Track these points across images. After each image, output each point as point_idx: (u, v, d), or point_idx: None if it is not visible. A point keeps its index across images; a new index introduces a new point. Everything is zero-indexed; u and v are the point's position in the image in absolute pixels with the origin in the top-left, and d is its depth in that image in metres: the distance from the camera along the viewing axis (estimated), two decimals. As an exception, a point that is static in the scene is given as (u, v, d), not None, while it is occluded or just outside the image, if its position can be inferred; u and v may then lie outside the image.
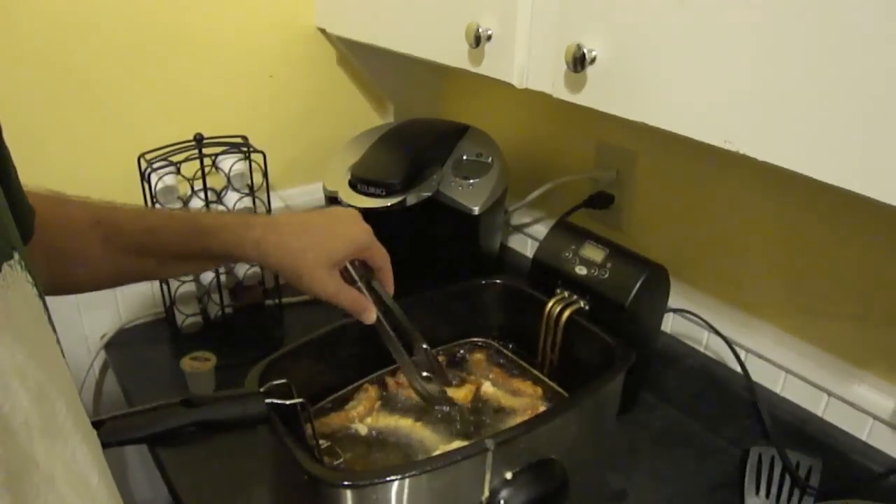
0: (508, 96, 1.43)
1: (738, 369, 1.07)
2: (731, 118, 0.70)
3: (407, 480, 0.71)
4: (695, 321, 1.13)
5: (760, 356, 1.08)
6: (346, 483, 0.71)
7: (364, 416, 0.96)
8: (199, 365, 1.19)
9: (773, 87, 0.66)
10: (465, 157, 1.27)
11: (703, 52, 0.71)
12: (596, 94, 0.82)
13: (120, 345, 1.35)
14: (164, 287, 1.29)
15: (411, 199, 1.16)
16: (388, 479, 0.70)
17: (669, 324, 1.20)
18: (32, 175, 0.62)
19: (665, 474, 1.05)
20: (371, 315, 0.85)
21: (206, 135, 1.19)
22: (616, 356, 0.92)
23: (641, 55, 0.77)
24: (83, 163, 1.26)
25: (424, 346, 0.91)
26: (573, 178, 1.30)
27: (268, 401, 0.77)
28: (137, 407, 0.74)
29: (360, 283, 0.85)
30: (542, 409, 0.98)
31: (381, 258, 0.87)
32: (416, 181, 1.19)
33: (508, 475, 0.79)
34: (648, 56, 0.76)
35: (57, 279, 0.73)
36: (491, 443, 0.75)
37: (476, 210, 1.19)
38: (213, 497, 0.99)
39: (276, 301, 1.36)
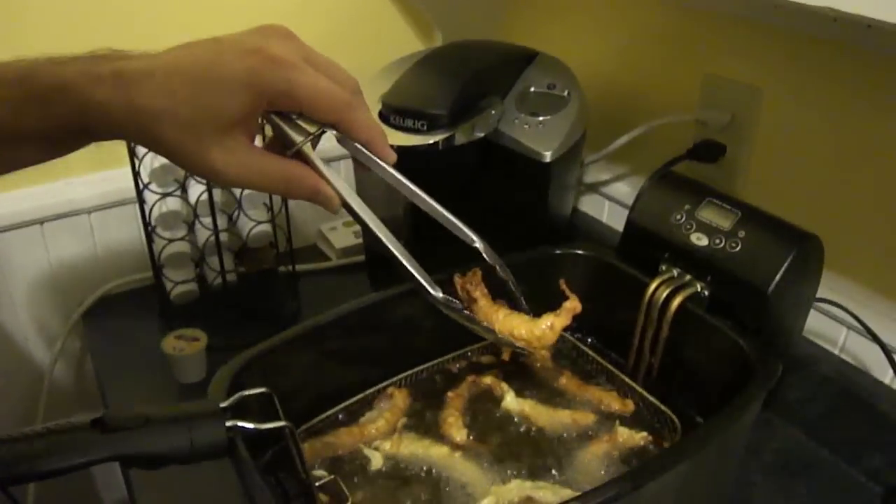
0: (588, 17, 1.22)
1: (888, 379, 0.86)
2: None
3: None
4: (834, 315, 0.91)
5: None
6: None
7: (384, 434, 0.71)
8: (185, 346, 1.00)
9: None
10: (532, 89, 1.03)
11: None
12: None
13: (99, 314, 1.19)
14: (150, 245, 1.07)
15: (461, 138, 0.94)
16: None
17: None
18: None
19: None
20: (331, 201, 0.55)
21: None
22: (751, 364, 0.68)
23: None
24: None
25: (476, 242, 0.65)
26: (671, 119, 1.06)
27: (230, 423, 0.51)
28: (26, 429, 0.48)
29: (298, 145, 0.54)
30: (620, 431, 0.72)
31: (324, 102, 0.53)
32: (468, 115, 0.95)
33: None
34: None
35: None
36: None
37: (548, 156, 0.95)
38: None
39: (290, 267, 1.14)
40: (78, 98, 0.50)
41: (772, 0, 0.59)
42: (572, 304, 0.74)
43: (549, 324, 0.71)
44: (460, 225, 0.65)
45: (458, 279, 0.75)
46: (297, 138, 0.53)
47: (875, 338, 0.85)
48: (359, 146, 0.55)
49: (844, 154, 0.90)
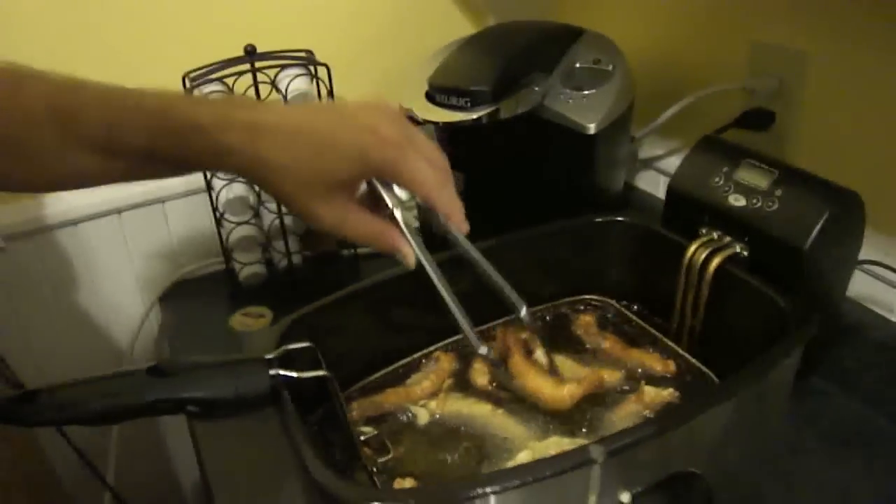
0: None
1: None
2: None
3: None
4: (887, 278, 0.89)
5: None
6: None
7: (430, 394, 0.73)
8: (252, 322, 1.05)
9: None
10: (578, 65, 1.03)
11: None
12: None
13: (174, 297, 1.23)
14: (219, 230, 1.12)
15: (506, 112, 0.93)
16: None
17: (850, 282, 0.92)
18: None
19: (838, 486, 0.80)
20: (407, 258, 0.63)
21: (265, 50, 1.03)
22: (789, 323, 0.66)
23: None
24: (119, 82, 1.10)
25: (523, 312, 0.68)
26: (719, 88, 1.04)
27: (273, 372, 0.54)
28: (89, 375, 0.53)
29: (392, 209, 0.62)
30: (646, 391, 0.72)
31: (419, 179, 0.60)
32: (512, 91, 0.95)
33: (625, 497, 0.52)
34: None
35: (10, 174, 0.61)
36: (599, 452, 0.48)
37: (592, 128, 0.95)
38: (243, 489, 0.81)
39: (353, 250, 1.18)
40: (210, 139, 0.58)
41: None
42: (597, 377, 0.74)
43: (570, 392, 0.72)
44: (509, 292, 0.70)
45: (500, 331, 0.79)
46: (390, 202, 0.62)
47: None
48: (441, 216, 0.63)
49: (893, 115, 0.88)
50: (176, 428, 1.32)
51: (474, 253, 0.67)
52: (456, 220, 0.63)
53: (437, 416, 0.71)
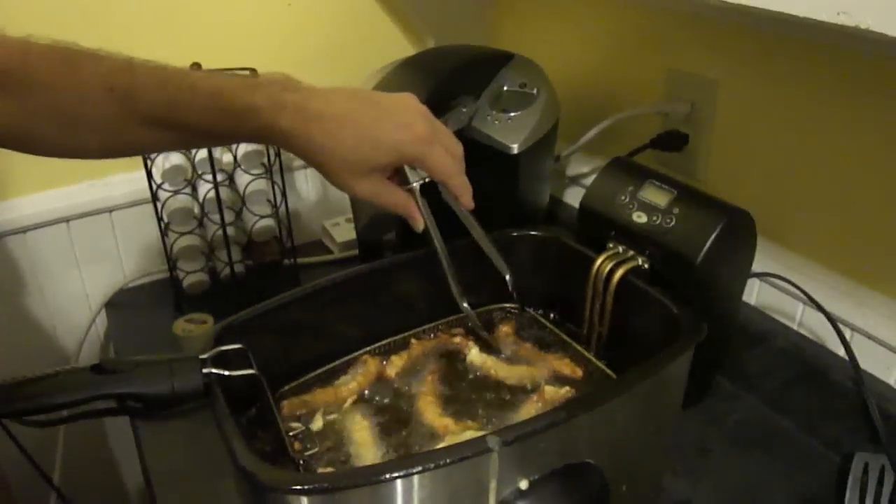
0: (564, 21, 1.27)
1: (842, 353, 0.87)
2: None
3: (369, 487, 0.52)
4: (788, 290, 0.94)
5: (871, 337, 0.87)
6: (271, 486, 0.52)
7: (357, 394, 0.78)
8: (194, 328, 1.07)
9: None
10: (505, 88, 1.08)
11: None
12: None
13: (120, 304, 1.27)
14: (164, 240, 1.15)
15: None
16: (337, 486, 0.51)
17: (755, 293, 1.00)
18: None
19: (742, 482, 0.86)
20: (418, 224, 0.77)
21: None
22: (683, 329, 0.72)
23: None
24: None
25: (507, 277, 0.86)
26: (636, 112, 1.11)
27: (207, 370, 0.59)
28: (34, 373, 0.57)
29: (413, 186, 0.76)
30: (546, 390, 0.80)
31: (441, 169, 0.74)
32: (442, 111, 1.01)
33: (523, 485, 0.59)
34: None
35: (67, 144, 0.69)
36: (495, 441, 0.55)
37: (515, 148, 1.00)
38: (184, 488, 0.86)
39: (293, 260, 1.22)
40: (265, 121, 0.67)
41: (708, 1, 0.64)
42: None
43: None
44: (495, 259, 0.86)
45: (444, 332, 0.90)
46: (413, 180, 0.75)
47: (821, 309, 0.87)
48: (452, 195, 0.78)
49: (794, 139, 0.94)
50: (120, 430, 1.35)
51: (471, 224, 0.83)
52: (465, 200, 0.78)
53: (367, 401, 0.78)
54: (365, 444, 0.71)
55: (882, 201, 0.86)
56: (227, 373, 0.60)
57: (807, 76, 0.88)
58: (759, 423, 0.95)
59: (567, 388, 0.79)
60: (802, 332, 0.95)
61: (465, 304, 0.82)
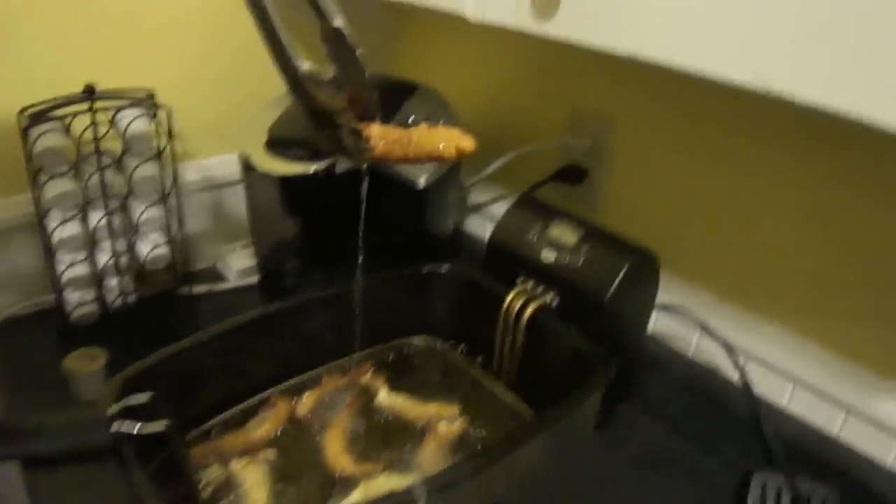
0: (467, 51, 1.28)
1: (737, 379, 0.91)
2: (762, 40, 0.51)
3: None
4: (684, 320, 0.98)
5: (764, 363, 0.93)
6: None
7: (266, 439, 0.76)
8: (85, 365, 1.01)
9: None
10: (410, 121, 1.07)
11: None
12: (573, 20, 0.63)
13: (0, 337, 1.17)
14: (52, 268, 1.09)
15: (342, 166, 0.98)
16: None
17: (653, 322, 1.03)
18: None
19: (643, 502, 0.88)
20: None
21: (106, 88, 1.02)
22: (592, 365, 0.75)
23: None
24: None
25: (337, 20, 0.63)
26: (539, 146, 1.13)
27: (114, 429, 0.57)
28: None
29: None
30: (439, 426, 0.80)
31: None
32: None
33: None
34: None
35: None
36: (423, 490, 0.54)
37: (421, 183, 1.00)
38: None
39: (189, 290, 1.19)
40: None
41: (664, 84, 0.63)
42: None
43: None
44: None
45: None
46: None
47: (715, 337, 0.91)
48: None
49: (689, 174, 0.98)
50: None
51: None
52: None
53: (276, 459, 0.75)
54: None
55: (774, 233, 0.90)
56: (136, 431, 0.57)
57: (702, 114, 0.92)
58: (660, 446, 0.97)
59: (458, 421, 0.80)
60: (699, 359, 0.99)
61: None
